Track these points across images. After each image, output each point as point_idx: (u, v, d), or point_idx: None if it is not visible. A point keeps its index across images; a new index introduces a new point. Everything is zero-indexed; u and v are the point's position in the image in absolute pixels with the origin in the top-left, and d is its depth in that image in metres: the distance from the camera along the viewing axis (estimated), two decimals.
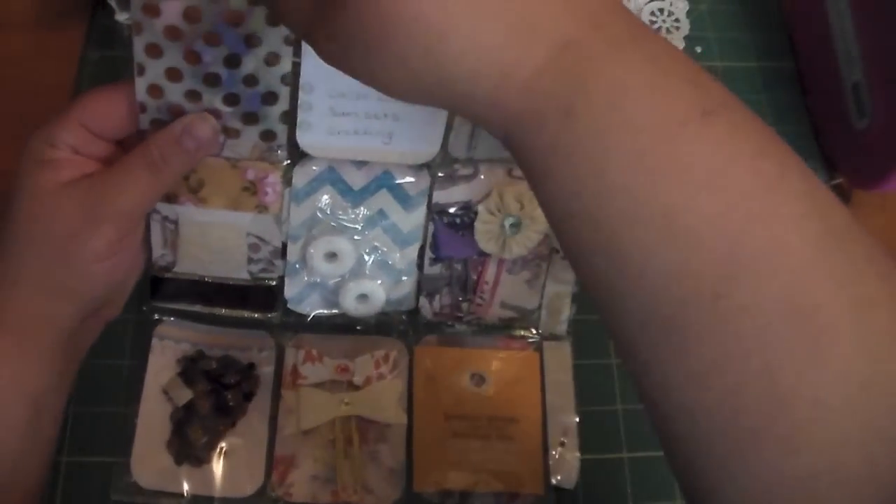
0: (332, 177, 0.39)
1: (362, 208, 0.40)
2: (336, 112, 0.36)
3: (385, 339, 0.44)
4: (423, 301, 0.43)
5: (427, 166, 0.40)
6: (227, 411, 0.41)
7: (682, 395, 0.23)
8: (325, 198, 0.40)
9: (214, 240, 0.40)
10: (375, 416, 0.41)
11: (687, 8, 0.57)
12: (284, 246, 0.41)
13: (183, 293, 0.42)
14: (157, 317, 0.42)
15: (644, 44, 0.24)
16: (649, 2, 0.57)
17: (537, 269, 0.43)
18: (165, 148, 0.33)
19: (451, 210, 0.41)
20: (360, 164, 0.39)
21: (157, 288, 0.42)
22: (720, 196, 0.22)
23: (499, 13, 0.23)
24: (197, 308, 0.42)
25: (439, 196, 0.41)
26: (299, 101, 0.35)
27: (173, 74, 0.32)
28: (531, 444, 0.42)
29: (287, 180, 0.39)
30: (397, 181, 0.40)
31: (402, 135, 0.37)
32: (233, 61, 0.32)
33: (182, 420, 0.40)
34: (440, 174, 0.40)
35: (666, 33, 0.56)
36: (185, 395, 0.40)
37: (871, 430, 0.22)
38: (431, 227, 0.41)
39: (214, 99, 0.33)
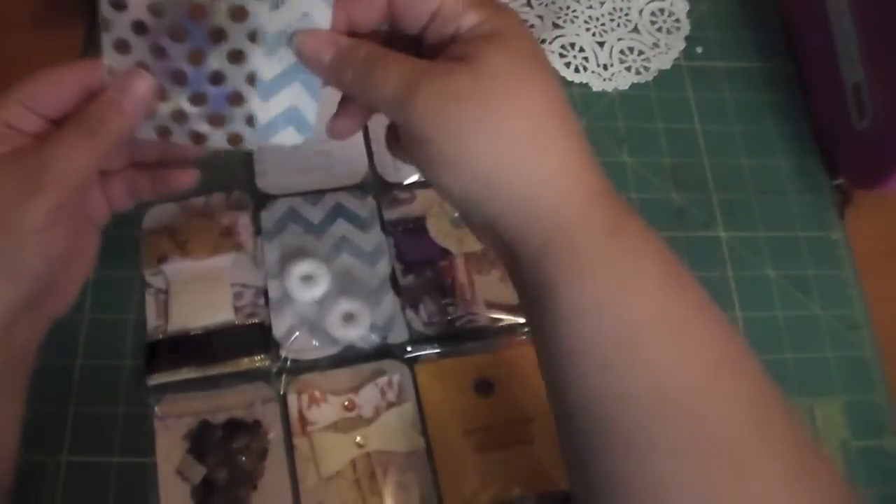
0: (293, 215, 0.46)
1: (326, 239, 0.46)
2: (284, 158, 0.48)
3: (384, 364, 0.43)
4: (410, 314, 0.44)
5: (366, 189, 0.48)
6: (245, 476, 0.40)
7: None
8: (292, 235, 0.45)
9: (201, 288, 0.44)
10: (393, 447, 0.41)
11: (687, 8, 0.57)
12: (266, 291, 0.44)
13: (176, 355, 0.42)
14: (153, 403, 0.41)
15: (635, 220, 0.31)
16: (650, 2, 0.57)
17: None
18: (101, 110, 0.32)
19: (404, 223, 0.47)
20: (315, 200, 0.47)
21: (153, 358, 0.42)
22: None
23: (578, 145, 0.30)
24: (192, 374, 0.42)
25: (389, 215, 0.47)
26: (254, 155, 0.47)
27: (143, 69, 0.32)
28: (553, 440, 0.42)
29: (256, 226, 0.46)
30: (348, 207, 0.47)
31: (336, 164, 0.48)
32: (197, 57, 0.32)
33: (203, 497, 0.39)
34: (384, 199, 0.48)
35: (666, 34, 0.56)
36: (199, 471, 0.39)
37: None
38: (392, 241, 0.46)
39: (181, 98, 0.33)
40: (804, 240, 0.50)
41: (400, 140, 0.33)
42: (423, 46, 0.32)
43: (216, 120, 0.34)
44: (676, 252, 0.49)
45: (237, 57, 0.32)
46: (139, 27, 0.31)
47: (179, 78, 0.32)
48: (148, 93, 0.33)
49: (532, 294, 0.30)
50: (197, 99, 0.33)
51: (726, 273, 0.48)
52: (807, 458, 0.29)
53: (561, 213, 0.29)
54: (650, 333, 0.29)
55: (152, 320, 0.43)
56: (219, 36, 0.31)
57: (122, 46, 0.32)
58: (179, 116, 0.33)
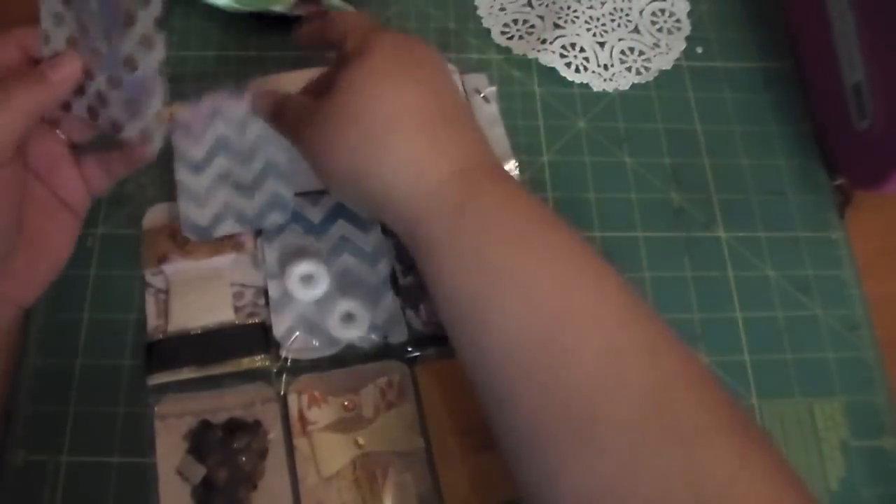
0: (294, 216, 0.45)
1: (326, 239, 0.45)
2: None
3: (385, 364, 0.43)
4: (410, 314, 0.44)
5: None
6: (245, 476, 0.40)
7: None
8: (292, 235, 0.45)
9: (201, 288, 0.43)
10: (393, 447, 0.41)
11: (688, 8, 0.57)
12: (266, 291, 0.44)
13: (176, 355, 0.42)
14: (153, 403, 0.41)
15: (507, 180, 0.36)
16: (650, 2, 0.57)
17: None
18: (29, 79, 0.33)
19: None
20: (315, 200, 0.46)
21: (152, 358, 0.42)
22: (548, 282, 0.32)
23: (421, 138, 0.34)
24: (192, 374, 0.42)
25: None
26: None
27: (72, 43, 0.34)
28: None
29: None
30: (349, 208, 0.46)
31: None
32: (110, 37, 0.33)
33: (203, 497, 0.39)
34: None
35: (667, 34, 0.56)
36: (199, 471, 0.39)
37: None
38: (392, 241, 0.45)
39: (101, 78, 0.34)
40: (804, 240, 0.50)
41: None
42: None
43: (131, 108, 0.34)
44: (676, 252, 0.50)
45: (147, 42, 0.33)
46: (67, 1, 0.33)
47: (97, 57, 0.34)
48: (75, 70, 0.35)
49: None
50: (114, 82, 0.34)
51: (726, 273, 0.48)
52: (664, 396, 0.29)
53: (410, 203, 0.34)
54: (493, 301, 0.32)
55: (152, 320, 0.43)
56: (130, 20, 0.32)
57: (57, 18, 0.33)
58: (100, 98, 0.34)
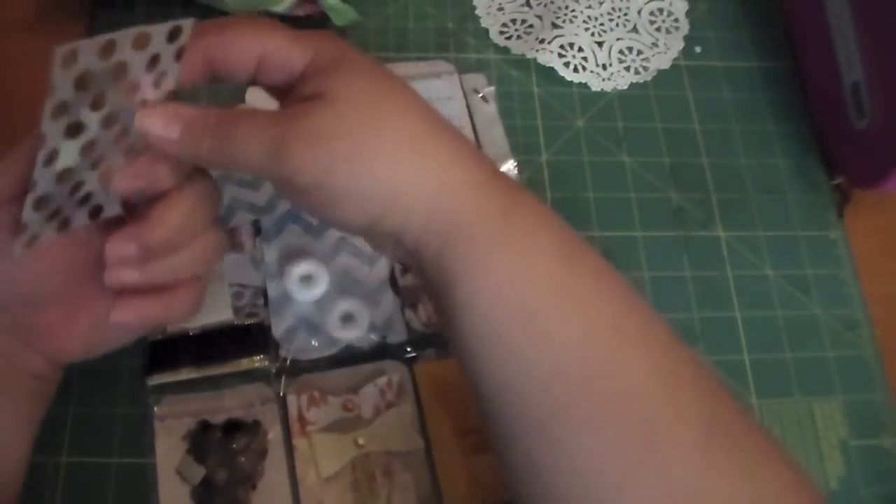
0: (292, 215, 0.45)
1: (325, 239, 0.45)
2: None
3: (384, 364, 0.43)
4: (409, 314, 0.44)
5: None
6: (245, 476, 0.40)
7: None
8: (291, 235, 0.45)
9: None
10: (392, 447, 0.41)
11: (686, 8, 0.57)
12: (265, 291, 0.44)
13: (176, 355, 0.42)
14: (152, 403, 0.41)
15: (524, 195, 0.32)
16: (649, 2, 0.57)
17: None
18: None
19: None
20: None
21: (152, 358, 0.42)
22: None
23: (455, 141, 0.31)
24: (192, 374, 0.42)
25: None
26: None
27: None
28: None
29: (255, 227, 0.45)
30: None
31: None
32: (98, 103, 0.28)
33: (203, 498, 0.39)
34: None
35: (665, 33, 0.56)
36: (198, 472, 0.39)
37: None
38: None
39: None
40: (803, 239, 0.50)
41: (292, 203, 0.32)
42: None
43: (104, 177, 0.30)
44: (676, 252, 0.50)
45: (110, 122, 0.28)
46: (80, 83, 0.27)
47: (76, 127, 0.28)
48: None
49: (437, 292, 0.31)
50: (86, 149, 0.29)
51: (725, 273, 0.48)
52: (720, 419, 0.29)
53: (453, 209, 0.30)
54: (550, 313, 0.29)
55: None
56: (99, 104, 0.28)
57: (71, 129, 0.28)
58: (67, 173, 0.29)
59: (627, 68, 0.54)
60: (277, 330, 0.43)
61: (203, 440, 0.40)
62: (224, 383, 0.42)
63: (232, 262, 0.44)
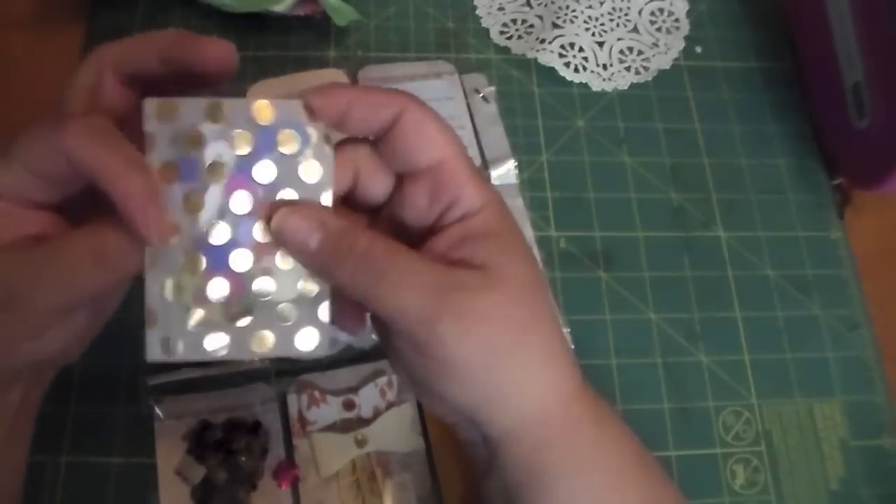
0: None
1: None
2: None
3: (384, 364, 0.43)
4: None
5: None
6: (245, 476, 0.40)
7: None
8: None
9: None
10: (392, 447, 0.41)
11: (687, 8, 0.57)
12: None
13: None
14: (153, 403, 0.41)
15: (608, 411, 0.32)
16: (649, 2, 0.57)
17: None
18: (125, 240, 0.26)
19: None
20: None
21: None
22: None
23: (560, 341, 0.30)
24: (192, 374, 0.41)
25: None
26: None
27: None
28: None
29: None
30: None
31: None
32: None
33: (203, 498, 0.39)
34: None
35: (666, 33, 0.56)
36: (199, 471, 0.39)
37: None
38: None
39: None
40: (804, 239, 0.50)
41: (393, 346, 0.28)
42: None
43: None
44: (676, 252, 0.50)
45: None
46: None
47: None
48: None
49: (516, 493, 0.29)
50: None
51: (726, 273, 0.48)
52: None
53: (554, 413, 0.29)
54: None
55: None
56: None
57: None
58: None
59: (628, 68, 0.54)
60: None
61: (203, 440, 0.40)
62: (224, 383, 0.42)
63: None
